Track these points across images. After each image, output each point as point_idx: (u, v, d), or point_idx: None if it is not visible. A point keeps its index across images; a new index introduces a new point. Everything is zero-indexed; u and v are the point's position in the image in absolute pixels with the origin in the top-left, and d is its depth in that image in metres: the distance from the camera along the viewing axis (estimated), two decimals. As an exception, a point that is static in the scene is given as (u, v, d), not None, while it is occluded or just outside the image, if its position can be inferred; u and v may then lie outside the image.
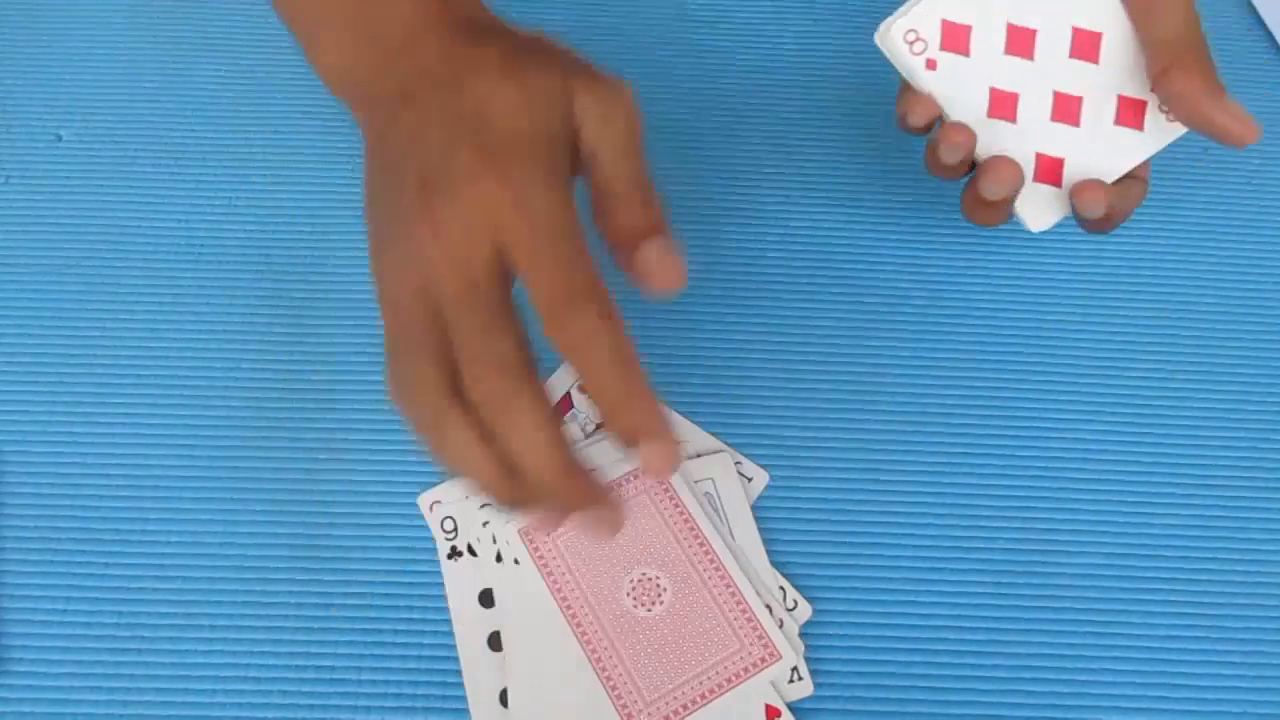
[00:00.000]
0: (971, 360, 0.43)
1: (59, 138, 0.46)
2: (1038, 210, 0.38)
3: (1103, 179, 0.36)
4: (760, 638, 0.34)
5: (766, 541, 0.38)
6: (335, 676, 0.36)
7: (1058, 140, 0.36)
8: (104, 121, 0.47)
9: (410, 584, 0.37)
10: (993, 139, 0.36)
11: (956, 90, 0.35)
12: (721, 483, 0.38)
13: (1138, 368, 0.43)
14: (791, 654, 0.34)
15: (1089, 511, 0.40)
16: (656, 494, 0.37)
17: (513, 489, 0.29)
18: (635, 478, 0.37)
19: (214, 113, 0.47)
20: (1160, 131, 0.37)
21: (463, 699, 0.35)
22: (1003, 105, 0.36)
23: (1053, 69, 0.35)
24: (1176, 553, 0.39)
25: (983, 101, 0.36)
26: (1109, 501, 0.40)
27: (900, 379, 0.42)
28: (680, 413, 0.40)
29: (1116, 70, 0.36)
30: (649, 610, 0.35)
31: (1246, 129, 0.35)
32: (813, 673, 0.36)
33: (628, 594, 0.35)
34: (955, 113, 0.36)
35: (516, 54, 0.32)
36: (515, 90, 0.31)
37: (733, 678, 0.34)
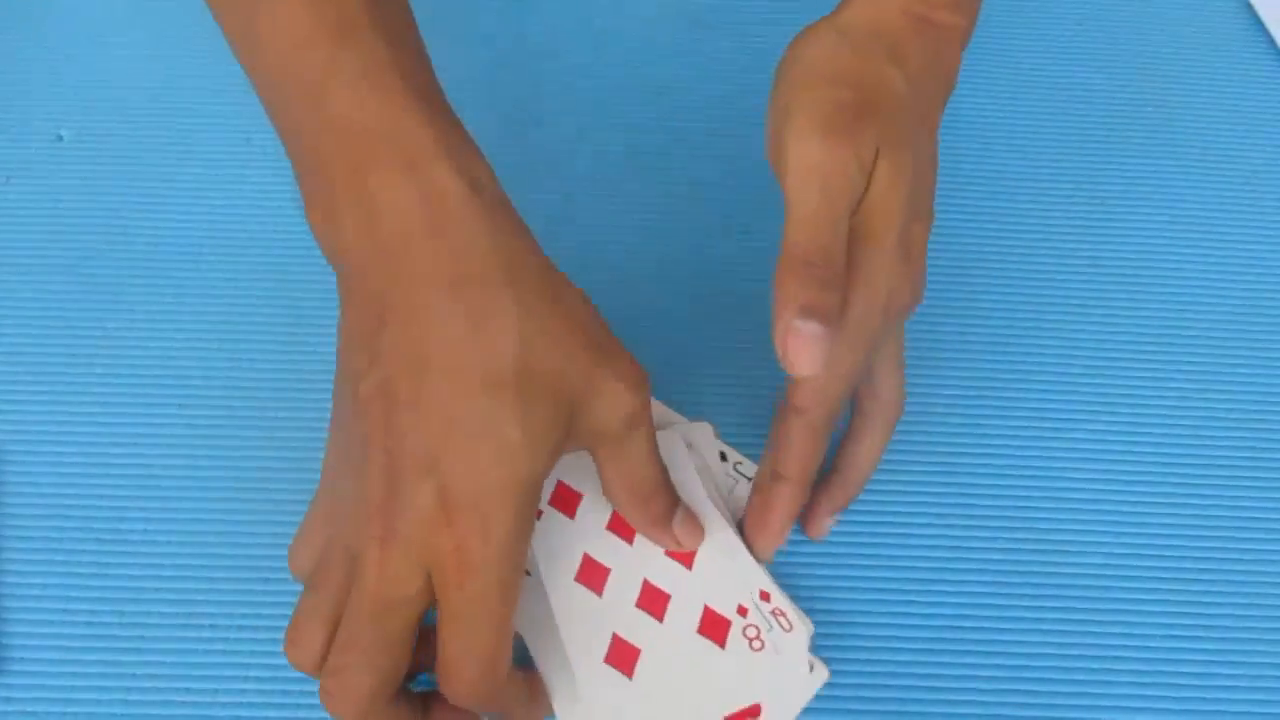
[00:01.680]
0: (971, 360, 0.43)
1: (59, 137, 0.46)
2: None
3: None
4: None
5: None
6: (335, 676, 0.36)
7: (638, 630, 0.33)
8: (104, 121, 0.47)
9: (410, 584, 0.37)
10: (571, 604, 0.33)
11: (552, 546, 0.34)
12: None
13: (1138, 368, 0.43)
14: (822, 671, 0.34)
15: (1089, 511, 0.40)
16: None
17: None
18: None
19: (214, 113, 0.47)
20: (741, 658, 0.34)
21: (463, 699, 0.35)
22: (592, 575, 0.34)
23: (649, 559, 0.34)
24: (1176, 553, 0.39)
25: (573, 565, 0.34)
26: (1109, 501, 0.40)
27: (900, 379, 0.42)
28: (676, 410, 0.40)
29: (707, 580, 0.34)
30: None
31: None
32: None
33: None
34: (545, 567, 0.34)
35: (526, 358, 0.28)
36: (518, 429, 0.27)
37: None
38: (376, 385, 0.28)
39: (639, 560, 0.34)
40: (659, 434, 0.33)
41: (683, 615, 0.34)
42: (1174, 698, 0.36)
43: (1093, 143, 0.49)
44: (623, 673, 0.32)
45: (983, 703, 0.36)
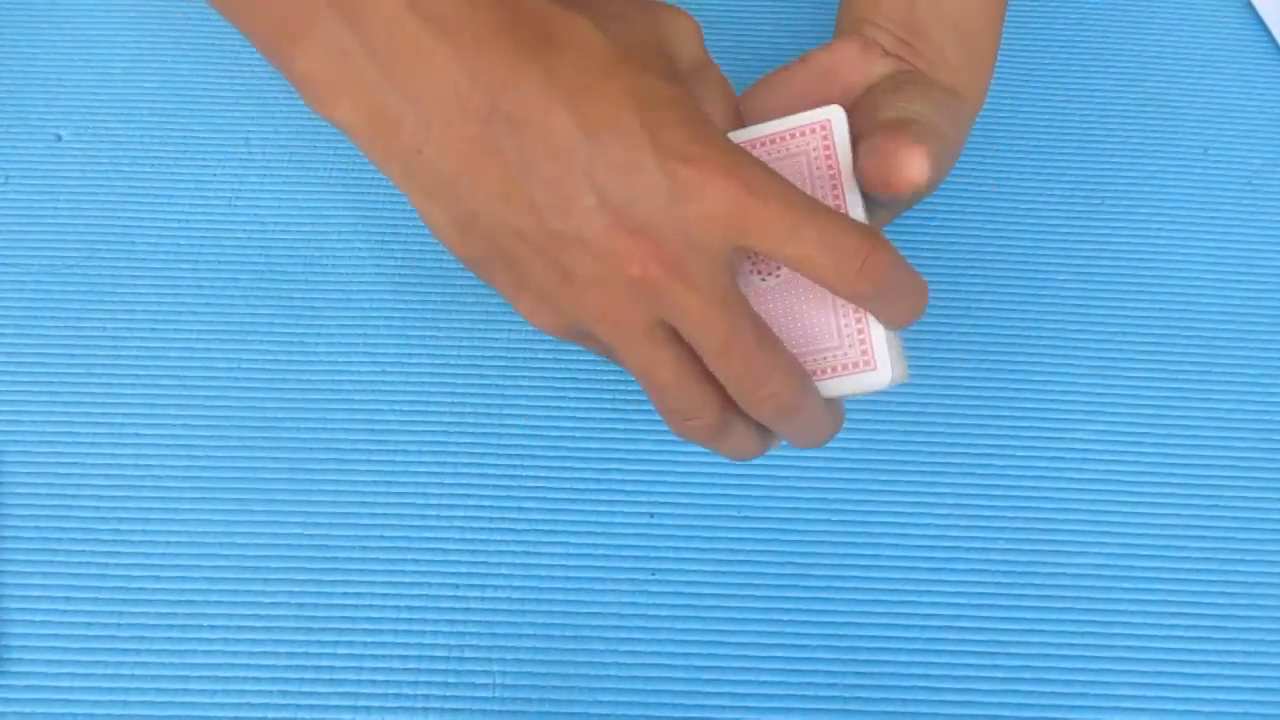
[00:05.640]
0: (971, 360, 0.43)
1: (59, 138, 0.46)
2: None
3: None
4: (862, 342, 0.32)
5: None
6: (335, 676, 0.36)
7: None
8: (104, 121, 0.47)
9: (410, 583, 0.37)
10: None
11: None
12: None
13: (1138, 368, 0.43)
14: (888, 370, 0.31)
15: (1089, 511, 0.40)
16: (815, 158, 0.34)
17: (764, 450, 0.33)
18: (800, 134, 0.34)
19: (214, 113, 0.47)
20: None
21: (461, 698, 0.35)
22: None
23: None
24: (1176, 553, 0.39)
25: None
26: (1109, 501, 0.40)
27: (900, 379, 0.42)
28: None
29: None
30: (764, 280, 0.33)
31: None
32: (812, 673, 0.36)
33: (749, 258, 0.33)
34: None
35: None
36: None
37: (827, 370, 0.32)
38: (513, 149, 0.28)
39: None
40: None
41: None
42: (1174, 698, 0.36)
43: (1093, 143, 0.49)
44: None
45: (983, 703, 0.36)
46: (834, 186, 0.33)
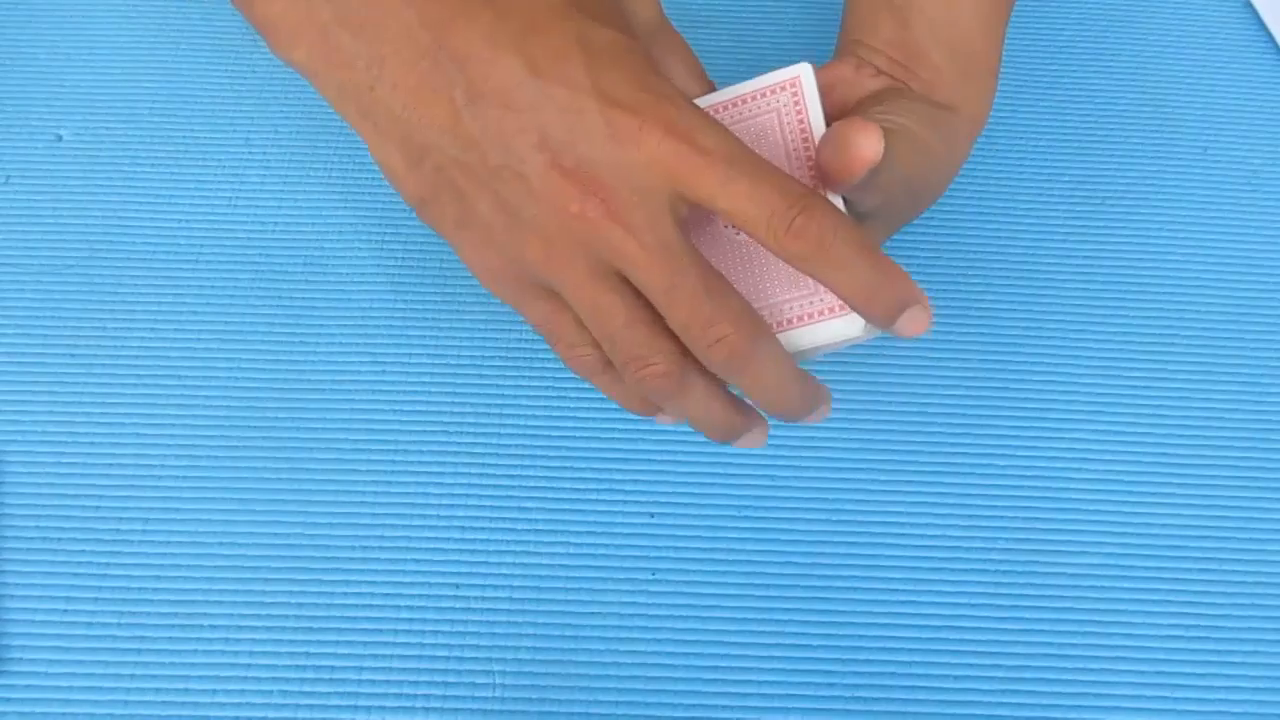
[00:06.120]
0: (971, 360, 0.43)
1: (59, 138, 0.46)
2: None
3: None
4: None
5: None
6: (335, 676, 0.36)
7: None
8: (104, 121, 0.47)
9: (410, 583, 0.37)
10: None
11: None
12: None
13: (1138, 368, 0.43)
14: (859, 319, 0.31)
15: (1089, 511, 0.40)
16: (786, 115, 0.34)
17: (743, 424, 0.32)
18: (770, 93, 0.34)
19: (214, 113, 0.47)
20: None
21: (461, 698, 0.35)
22: None
23: None
24: (1176, 553, 0.39)
25: None
26: (1109, 501, 0.40)
27: (899, 379, 0.42)
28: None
29: None
30: (738, 234, 0.33)
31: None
32: (811, 673, 0.36)
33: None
34: None
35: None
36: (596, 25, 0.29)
37: (794, 319, 0.32)
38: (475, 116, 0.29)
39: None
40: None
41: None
42: (1174, 698, 0.36)
43: (1093, 143, 0.49)
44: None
45: (983, 703, 0.36)
46: (805, 142, 0.33)
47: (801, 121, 0.33)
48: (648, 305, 0.29)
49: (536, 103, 0.28)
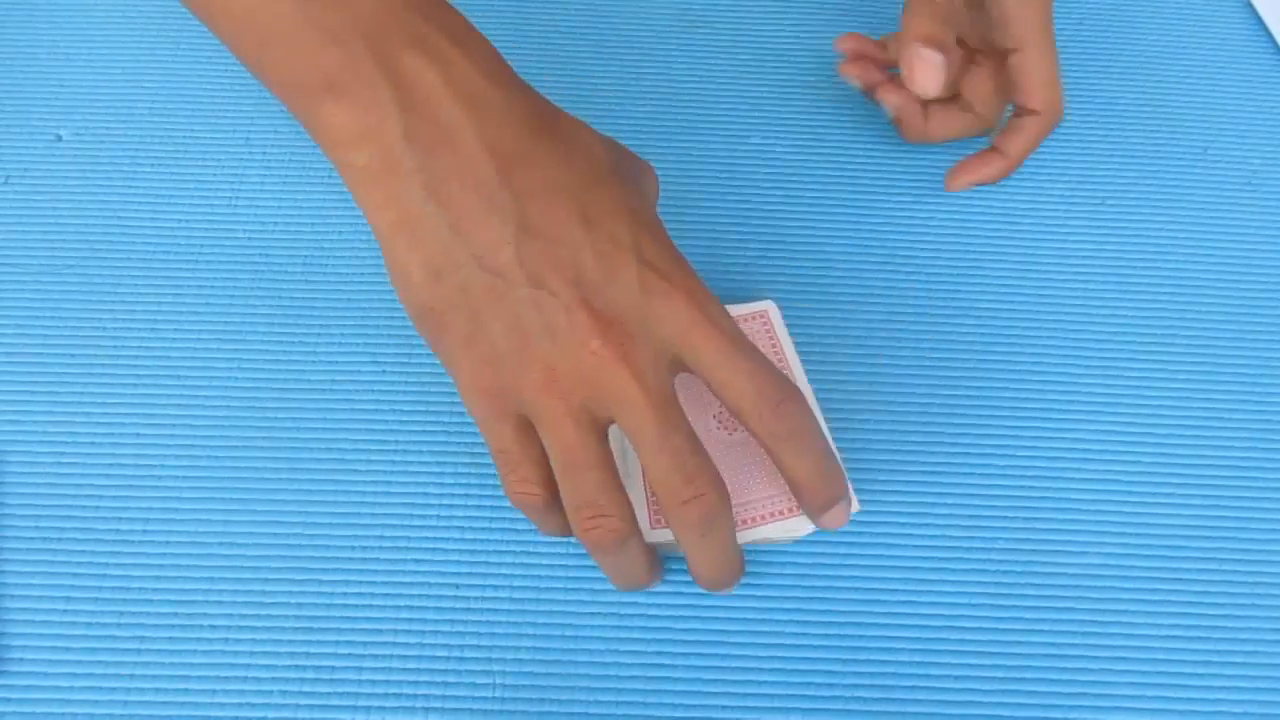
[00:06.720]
0: (971, 360, 0.43)
1: (59, 138, 0.46)
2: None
3: None
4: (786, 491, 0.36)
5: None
6: (335, 676, 0.36)
7: None
8: (104, 121, 0.47)
9: (410, 583, 0.37)
10: None
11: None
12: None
13: (1138, 368, 0.43)
14: (806, 524, 0.35)
15: (1089, 511, 0.40)
16: (759, 340, 0.38)
17: (646, 583, 0.36)
18: (742, 321, 0.39)
19: (214, 113, 0.47)
20: None
21: (461, 698, 0.35)
22: None
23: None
24: (1176, 553, 0.39)
25: None
26: (1109, 501, 0.40)
27: (899, 379, 0.42)
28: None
29: None
30: (730, 434, 0.36)
31: None
32: (811, 673, 0.36)
33: (714, 416, 0.37)
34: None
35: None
36: (620, 184, 0.32)
37: (756, 519, 0.35)
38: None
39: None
40: None
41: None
42: (1174, 698, 0.36)
43: (1093, 143, 0.49)
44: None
45: (982, 703, 0.36)
46: (780, 364, 0.38)
47: (775, 347, 0.38)
48: (615, 467, 0.32)
49: (582, 245, 0.30)
